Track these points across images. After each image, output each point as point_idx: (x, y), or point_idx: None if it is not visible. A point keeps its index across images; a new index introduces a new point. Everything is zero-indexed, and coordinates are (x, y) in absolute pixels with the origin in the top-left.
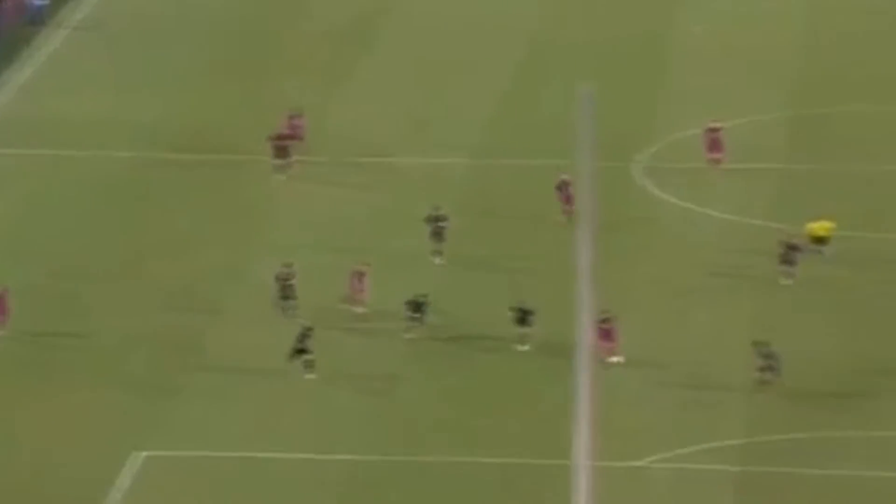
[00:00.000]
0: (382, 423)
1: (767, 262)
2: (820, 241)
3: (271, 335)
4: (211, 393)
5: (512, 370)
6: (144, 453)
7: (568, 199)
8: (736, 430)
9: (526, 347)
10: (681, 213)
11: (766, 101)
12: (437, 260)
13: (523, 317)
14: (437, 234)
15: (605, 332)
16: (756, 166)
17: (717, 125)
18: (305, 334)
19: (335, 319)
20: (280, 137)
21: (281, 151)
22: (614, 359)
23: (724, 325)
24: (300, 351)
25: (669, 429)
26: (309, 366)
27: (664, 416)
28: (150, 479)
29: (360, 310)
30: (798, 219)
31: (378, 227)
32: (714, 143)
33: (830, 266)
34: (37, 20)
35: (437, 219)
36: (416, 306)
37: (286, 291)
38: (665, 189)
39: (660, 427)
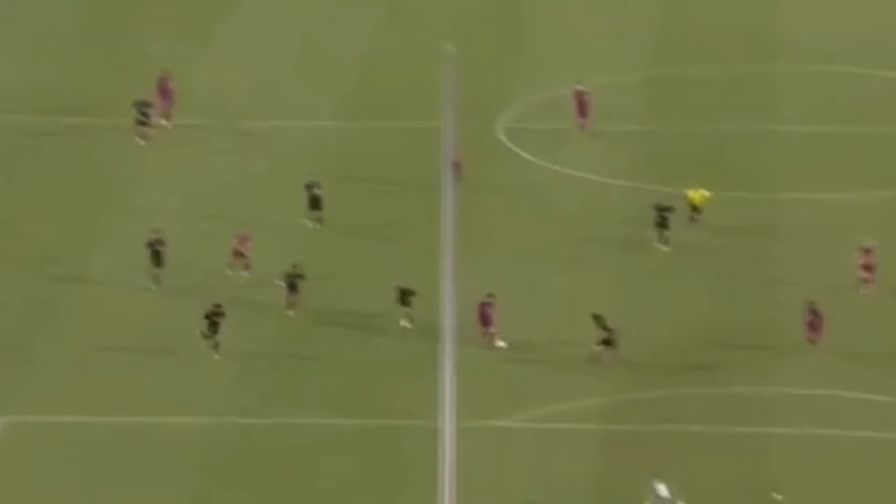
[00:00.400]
0: (247, 388)
1: (632, 225)
2: (696, 209)
3: (133, 302)
4: (71, 358)
5: (389, 342)
6: (3, 419)
7: (457, 168)
8: (597, 390)
9: (408, 324)
10: (545, 174)
11: (627, 61)
12: (311, 225)
13: (404, 297)
14: (314, 202)
15: (486, 316)
16: (619, 128)
17: (584, 89)
18: (215, 312)
19: (216, 288)
20: (145, 102)
21: (145, 116)
22: (500, 343)
23: (587, 289)
24: (212, 327)
25: (533, 390)
26: (216, 347)
27: (527, 378)
28: (8, 444)
29: (244, 274)
30: (661, 181)
31: (248, 192)
32: (582, 107)
33: (696, 231)
34: None
35: (312, 186)
36: (292, 284)
37: (157, 258)
38: (529, 150)
39: (524, 388)
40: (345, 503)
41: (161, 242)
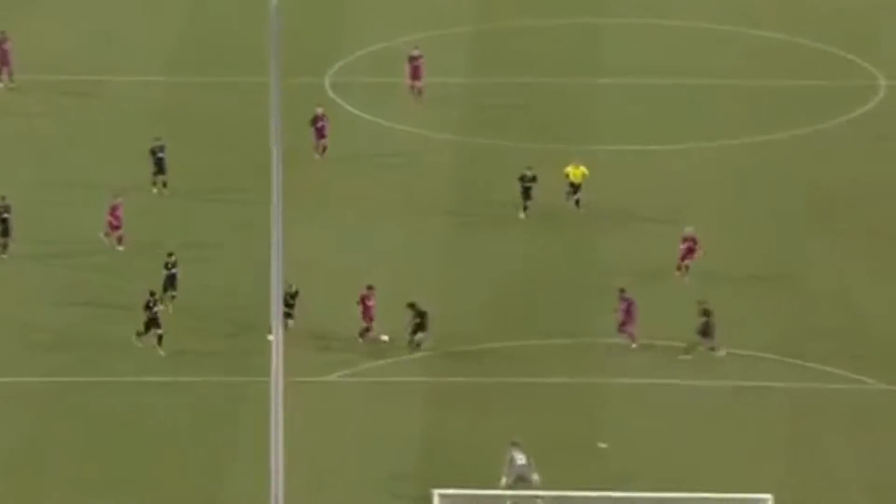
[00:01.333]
0: (75, 347)
1: (458, 178)
2: (574, 185)
3: None
4: None
5: (220, 304)
6: None
7: (321, 133)
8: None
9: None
10: (372, 128)
11: (452, 14)
12: (156, 190)
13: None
14: (158, 164)
15: (367, 309)
16: (445, 81)
17: (418, 53)
18: (152, 301)
19: (78, 254)
20: None
21: None
22: (384, 337)
23: (414, 244)
24: (152, 321)
25: (360, 346)
26: (160, 340)
27: (351, 331)
28: None
29: (120, 248)
30: (487, 134)
31: (89, 154)
32: (415, 71)
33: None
34: None
35: (156, 150)
36: (169, 279)
37: (3, 226)
38: (356, 104)
39: (353, 344)
40: (176, 459)
41: (6, 209)
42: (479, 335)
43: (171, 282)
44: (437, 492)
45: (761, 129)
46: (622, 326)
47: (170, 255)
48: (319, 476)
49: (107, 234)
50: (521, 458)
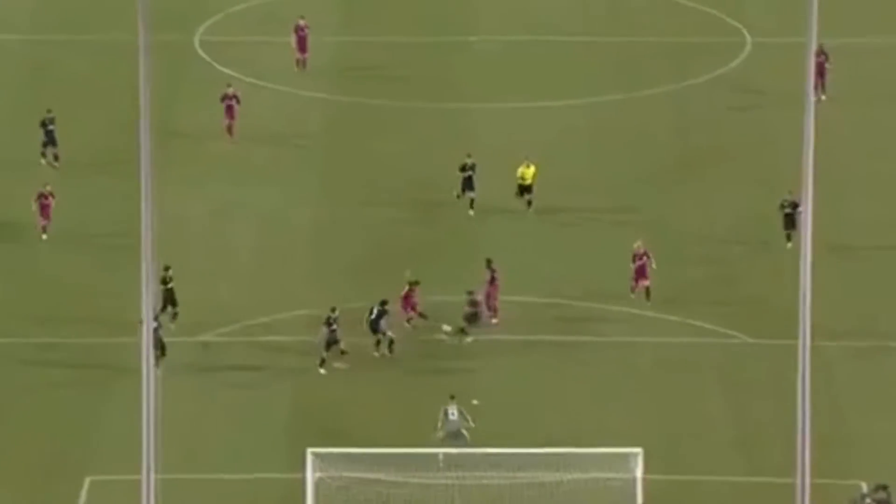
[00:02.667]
0: None
1: (331, 135)
2: (525, 186)
3: None
4: None
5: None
6: None
7: (231, 113)
8: (306, 302)
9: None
10: (243, 87)
11: None
12: (44, 162)
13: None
14: (49, 136)
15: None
16: (315, 40)
17: (304, 24)
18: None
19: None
20: None
21: None
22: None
23: (287, 202)
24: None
25: (238, 305)
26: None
27: (233, 293)
28: None
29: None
30: (362, 93)
31: None
32: (301, 42)
33: None
34: None
35: (47, 122)
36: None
37: None
38: (226, 63)
39: (230, 304)
40: (51, 418)
41: None
42: (348, 296)
43: (170, 298)
44: (310, 450)
45: (628, 86)
46: (489, 300)
47: (166, 268)
48: (192, 442)
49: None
50: (453, 414)
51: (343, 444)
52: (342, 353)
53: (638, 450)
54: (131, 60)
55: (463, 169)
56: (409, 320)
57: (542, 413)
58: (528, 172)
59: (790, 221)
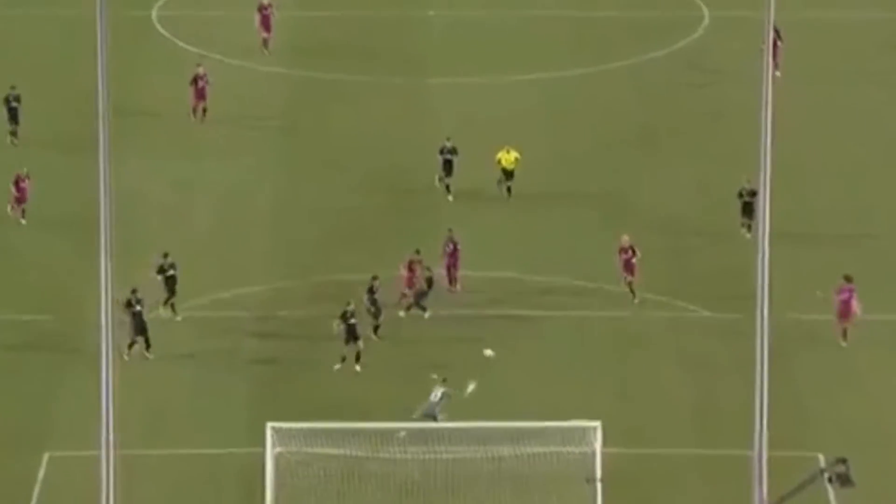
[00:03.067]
0: None
1: (288, 111)
2: (507, 173)
3: None
4: None
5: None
6: None
7: (201, 94)
8: (256, 280)
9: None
10: (203, 62)
11: None
12: (9, 140)
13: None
14: (12, 114)
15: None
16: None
17: (268, 2)
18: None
19: None
20: None
21: None
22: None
23: (244, 179)
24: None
25: (190, 283)
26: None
27: (191, 267)
28: None
29: (23, 221)
30: (317, 67)
31: None
32: (265, 20)
33: None
34: None
35: (10, 98)
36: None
37: None
38: (184, 38)
39: (186, 278)
40: (9, 394)
41: None
42: (316, 267)
43: (170, 285)
44: (270, 425)
45: (588, 60)
46: (449, 271)
47: (165, 255)
48: (152, 417)
49: (12, 209)
50: (434, 396)
51: (304, 418)
52: (357, 357)
53: (596, 423)
54: (89, 35)
55: (442, 152)
56: (406, 304)
57: (501, 387)
58: (507, 158)
59: (748, 210)
